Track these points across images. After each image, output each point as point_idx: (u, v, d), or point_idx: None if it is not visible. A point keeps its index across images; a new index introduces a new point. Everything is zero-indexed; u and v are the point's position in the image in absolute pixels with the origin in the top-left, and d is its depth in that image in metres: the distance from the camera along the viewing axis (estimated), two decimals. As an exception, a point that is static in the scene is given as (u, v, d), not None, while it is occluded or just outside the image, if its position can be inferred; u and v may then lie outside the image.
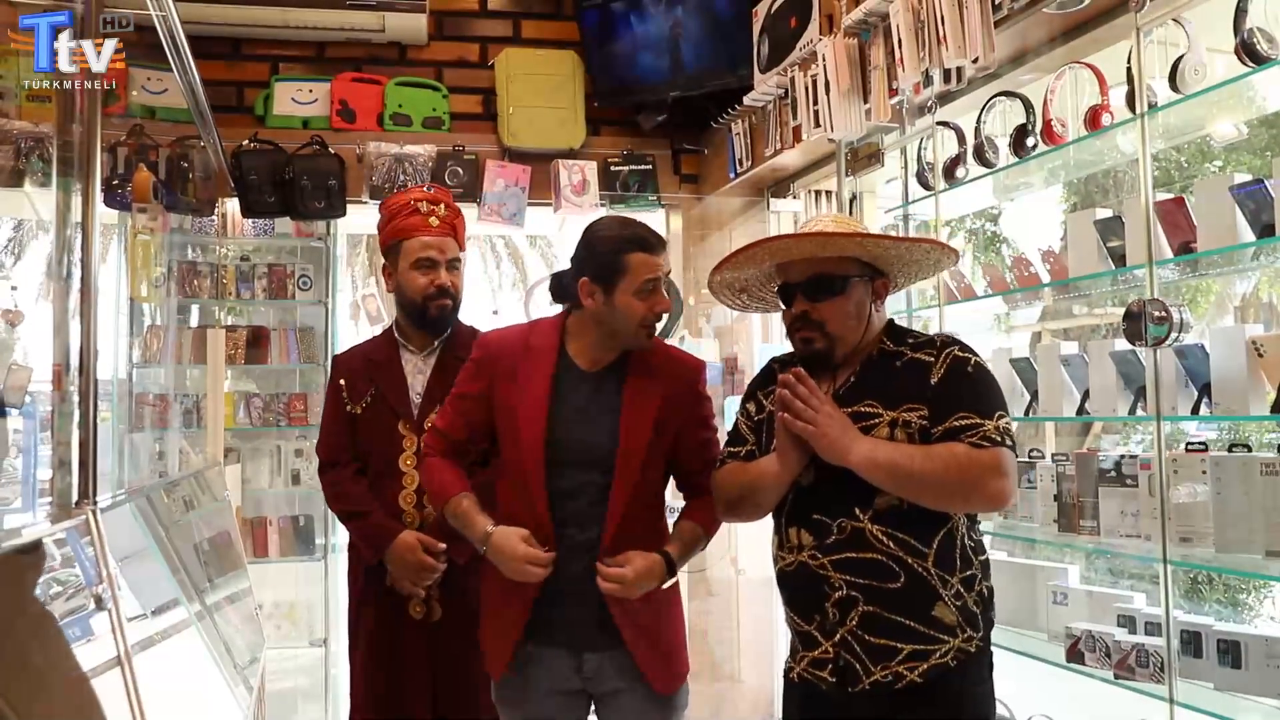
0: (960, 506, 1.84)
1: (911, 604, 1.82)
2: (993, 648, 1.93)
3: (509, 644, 2.18)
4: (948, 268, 2.17)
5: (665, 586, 2.15)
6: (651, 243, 2.12)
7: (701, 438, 2.24)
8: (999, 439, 1.80)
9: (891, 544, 1.82)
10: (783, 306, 2.01)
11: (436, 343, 2.71)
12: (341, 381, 2.71)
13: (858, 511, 1.84)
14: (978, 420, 1.80)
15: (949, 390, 1.85)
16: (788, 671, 1.98)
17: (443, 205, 2.68)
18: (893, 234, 2.02)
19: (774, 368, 2.09)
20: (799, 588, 1.92)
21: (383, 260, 2.74)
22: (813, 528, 1.88)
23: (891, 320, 2.03)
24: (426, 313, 2.65)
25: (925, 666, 1.80)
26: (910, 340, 1.96)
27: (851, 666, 1.83)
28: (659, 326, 2.21)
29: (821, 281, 1.92)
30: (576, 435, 2.15)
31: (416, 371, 2.69)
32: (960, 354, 1.89)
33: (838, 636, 1.85)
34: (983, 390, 1.86)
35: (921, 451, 1.80)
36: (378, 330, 2.92)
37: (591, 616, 2.13)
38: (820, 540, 1.87)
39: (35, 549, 1.19)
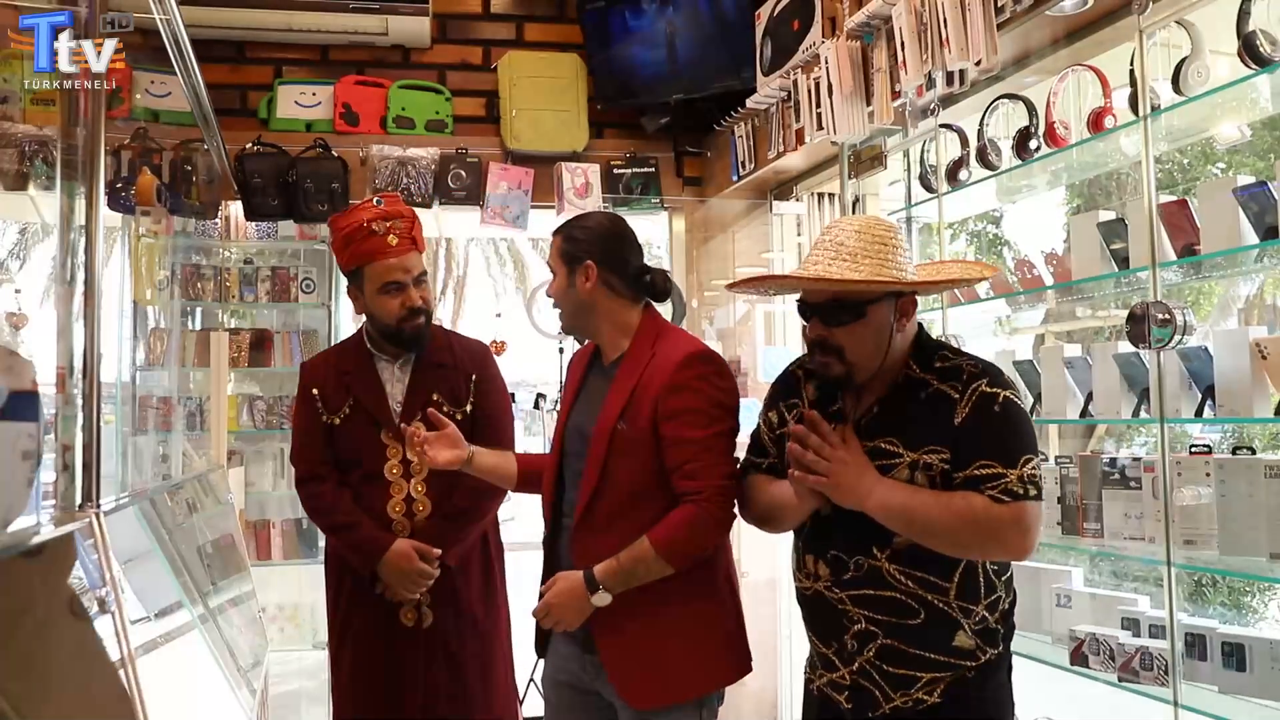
0: (977, 557, 1.79)
1: (932, 637, 1.79)
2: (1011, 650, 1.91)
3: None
4: (982, 280, 2.11)
5: (599, 605, 2.02)
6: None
7: (676, 434, 2.06)
8: (1022, 491, 1.71)
9: (910, 583, 1.78)
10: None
11: (410, 350, 2.68)
12: (315, 391, 2.66)
13: (875, 550, 1.80)
14: (1000, 470, 1.72)
15: (972, 433, 1.75)
16: (807, 683, 1.96)
17: (398, 220, 2.58)
18: (907, 271, 1.83)
19: (797, 374, 2.02)
20: (816, 614, 1.90)
21: (346, 281, 2.67)
22: (830, 562, 1.85)
23: (920, 333, 1.92)
24: (402, 334, 2.61)
25: (943, 687, 1.79)
26: (938, 365, 1.84)
27: (870, 693, 1.82)
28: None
29: (839, 306, 1.81)
30: (573, 421, 2.23)
31: (394, 379, 2.66)
32: (988, 389, 1.77)
33: (856, 665, 1.83)
34: (1008, 433, 1.75)
35: (938, 502, 1.73)
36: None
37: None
38: (837, 576, 1.84)
39: (43, 550, 1.19)
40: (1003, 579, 1.86)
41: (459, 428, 2.50)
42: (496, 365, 2.80)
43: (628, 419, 2.09)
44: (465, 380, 2.68)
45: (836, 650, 1.86)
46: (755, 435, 2.07)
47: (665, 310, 4.40)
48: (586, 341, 2.36)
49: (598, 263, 2.17)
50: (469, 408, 2.66)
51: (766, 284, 1.96)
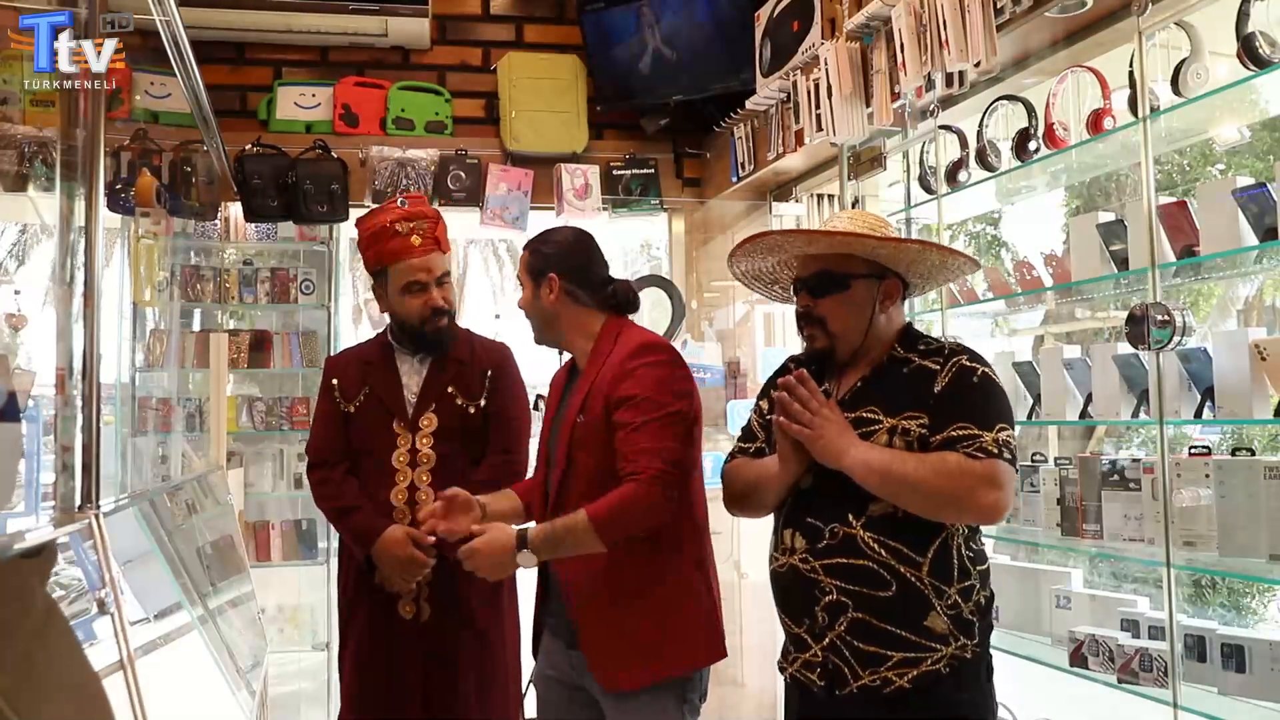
0: (951, 517, 1.82)
1: (902, 613, 1.80)
2: (994, 652, 1.92)
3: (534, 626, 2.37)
4: (966, 274, 2.14)
5: (523, 564, 2.06)
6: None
7: (620, 419, 2.11)
8: (995, 451, 1.77)
9: (883, 552, 1.81)
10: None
11: None
12: (334, 381, 2.73)
13: (851, 518, 1.84)
14: (975, 431, 1.79)
15: (950, 399, 1.84)
16: (781, 669, 1.98)
17: (422, 220, 2.64)
18: (892, 236, 1.96)
19: (790, 366, 2.09)
20: (789, 590, 1.92)
21: (371, 280, 2.73)
22: (806, 531, 1.89)
23: (909, 325, 2.01)
24: (424, 334, 2.66)
25: (915, 673, 1.79)
26: (921, 347, 1.94)
27: (840, 670, 1.83)
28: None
29: (823, 278, 1.93)
30: (553, 435, 2.31)
31: (412, 372, 2.71)
32: (967, 364, 1.87)
33: (826, 640, 1.85)
34: (985, 401, 1.84)
35: (915, 458, 1.80)
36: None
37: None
38: (812, 544, 1.87)
39: (41, 552, 1.20)
40: (978, 568, 1.88)
41: (471, 422, 2.65)
42: (515, 365, 2.82)
43: (586, 411, 2.18)
44: (481, 376, 2.72)
45: (808, 627, 1.87)
46: (746, 424, 2.12)
47: (664, 312, 4.43)
48: (565, 359, 2.42)
49: (560, 275, 2.27)
50: (482, 402, 2.70)
51: (757, 243, 2.01)
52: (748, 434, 2.10)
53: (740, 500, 2.05)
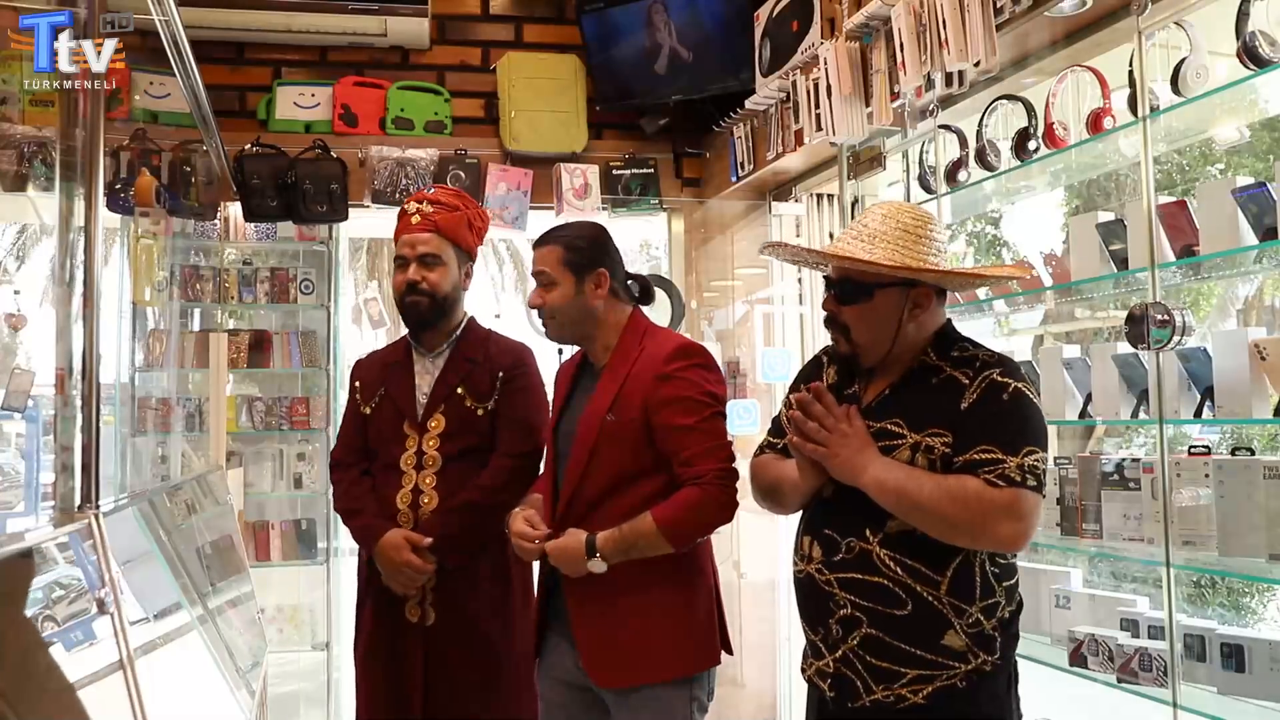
0: (967, 544, 1.76)
1: (919, 632, 1.76)
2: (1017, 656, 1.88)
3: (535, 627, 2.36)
4: (1004, 283, 2.09)
5: (594, 570, 2.10)
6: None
7: (669, 422, 2.14)
8: (1019, 478, 1.70)
9: (899, 570, 1.77)
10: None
11: (445, 345, 2.72)
12: (357, 383, 2.76)
13: (868, 533, 1.79)
14: (999, 455, 1.71)
15: (976, 418, 1.76)
16: (802, 671, 1.97)
17: (427, 203, 2.65)
18: (926, 262, 1.84)
19: (822, 359, 2.07)
20: (806, 598, 1.90)
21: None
22: (823, 542, 1.85)
23: (947, 325, 1.93)
24: (404, 311, 2.68)
25: (930, 689, 1.76)
26: (955, 354, 1.86)
27: (852, 683, 1.80)
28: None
29: (848, 285, 1.87)
30: (564, 427, 2.29)
31: (424, 372, 2.71)
32: (999, 379, 1.78)
33: (839, 653, 1.82)
34: (1013, 422, 1.75)
35: (933, 481, 1.73)
36: (380, 334, 2.94)
37: None
38: (828, 556, 1.84)
39: (33, 554, 1.20)
40: (1004, 584, 1.82)
41: (480, 425, 2.63)
42: (530, 367, 2.75)
43: (617, 410, 2.17)
44: (492, 378, 2.68)
45: (823, 637, 1.85)
46: (776, 417, 2.10)
47: (664, 312, 4.43)
48: (575, 351, 2.41)
49: (609, 271, 2.27)
50: (491, 405, 2.67)
51: (777, 250, 2.02)
52: (776, 429, 2.06)
53: (763, 496, 2.03)
